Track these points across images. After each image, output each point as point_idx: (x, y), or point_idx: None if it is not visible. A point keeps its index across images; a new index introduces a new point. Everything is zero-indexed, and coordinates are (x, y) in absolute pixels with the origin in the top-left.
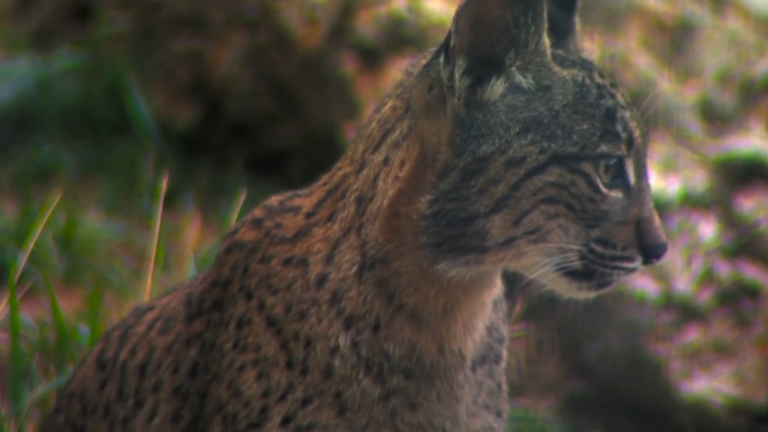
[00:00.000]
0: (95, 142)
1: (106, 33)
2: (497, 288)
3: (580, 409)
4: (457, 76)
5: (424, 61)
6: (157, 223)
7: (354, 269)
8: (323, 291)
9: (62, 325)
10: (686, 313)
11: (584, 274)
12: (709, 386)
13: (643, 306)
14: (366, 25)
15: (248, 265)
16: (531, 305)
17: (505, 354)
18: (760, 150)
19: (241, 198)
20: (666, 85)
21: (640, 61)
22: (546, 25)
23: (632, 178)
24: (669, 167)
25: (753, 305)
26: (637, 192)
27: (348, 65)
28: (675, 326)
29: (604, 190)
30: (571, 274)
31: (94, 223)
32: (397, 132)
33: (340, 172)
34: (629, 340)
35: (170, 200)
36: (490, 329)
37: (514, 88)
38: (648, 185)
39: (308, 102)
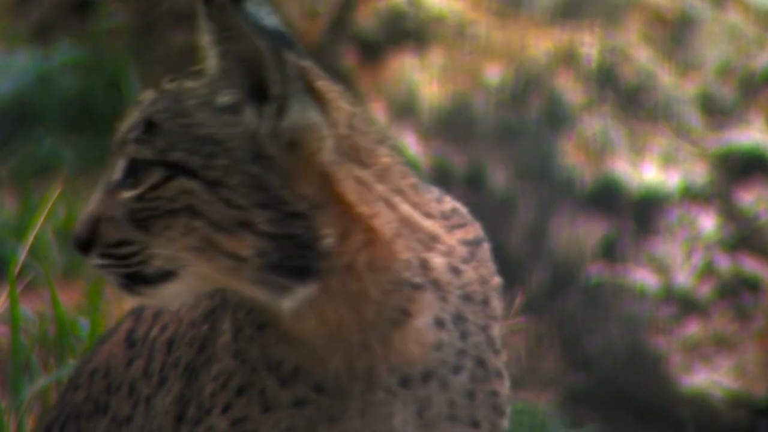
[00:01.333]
0: (95, 136)
1: (107, 27)
2: (411, 310)
3: (579, 402)
4: None
5: None
6: None
7: None
8: None
9: (62, 319)
10: (686, 306)
11: None
12: (709, 379)
13: (643, 299)
14: (366, 18)
15: None
16: (531, 299)
17: (469, 364)
18: (761, 143)
19: None
20: (666, 79)
21: (640, 54)
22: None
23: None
24: (669, 160)
25: (753, 298)
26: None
27: (348, 59)
28: (675, 319)
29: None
30: None
31: None
32: None
33: None
34: (629, 333)
35: None
36: (441, 345)
37: None
38: (104, 182)
39: None
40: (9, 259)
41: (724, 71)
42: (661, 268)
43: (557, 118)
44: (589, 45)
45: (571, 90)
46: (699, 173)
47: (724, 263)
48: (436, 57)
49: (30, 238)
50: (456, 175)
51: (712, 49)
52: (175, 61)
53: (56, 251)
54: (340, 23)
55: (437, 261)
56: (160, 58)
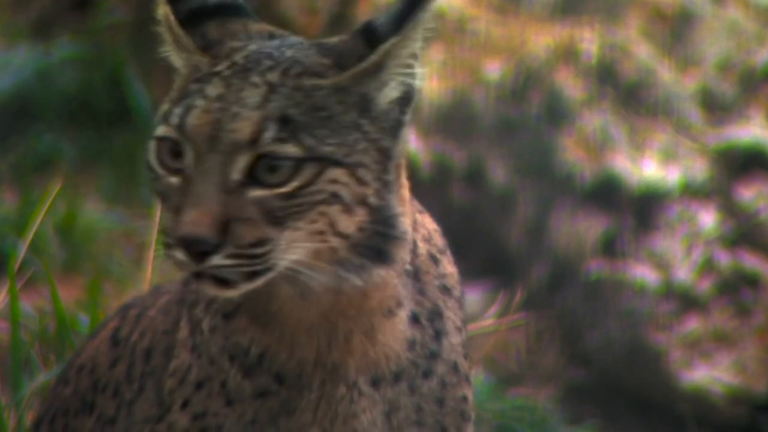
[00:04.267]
0: (95, 132)
1: (107, 22)
2: (401, 300)
3: (579, 398)
4: None
5: None
6: (157, 212)
7: None
8: None
9: (62, 314)
10: (686, 302)
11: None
12: (709, 375)
13: (643, 295)
14: (366, 13)
15: None
16: (530, 294)
17: (441, 370)
18: (761, 139)
19: None
20: (666, 75)
21: (640, 50)
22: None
23: (188, 164)
24: (669, 156)
25: (753, 294)
26: (188, 179)
27: None
28: (675, 315)
29: (158, 169)
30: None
31: (94, 212)
32: None
33: None
34: (629, 329)
35: None
36: (413, 344)
37: None
38: (214, 182)
39: None
40: (9, 255)
41: (724, 67)
42: (661, 264)
43: (557, 113)
44: (589, 41)
45: (571, 86)
46: (699, 169)
47: (724, 259)
48: (435, 52)
49: (30, 234)
50: (456, 171)
51: (712, 45)
52: None
53: (56, 247)
54: (340, 19)
55: (421, 246)
56: (160, 53)
